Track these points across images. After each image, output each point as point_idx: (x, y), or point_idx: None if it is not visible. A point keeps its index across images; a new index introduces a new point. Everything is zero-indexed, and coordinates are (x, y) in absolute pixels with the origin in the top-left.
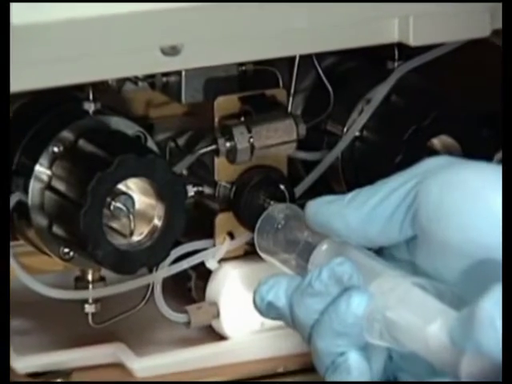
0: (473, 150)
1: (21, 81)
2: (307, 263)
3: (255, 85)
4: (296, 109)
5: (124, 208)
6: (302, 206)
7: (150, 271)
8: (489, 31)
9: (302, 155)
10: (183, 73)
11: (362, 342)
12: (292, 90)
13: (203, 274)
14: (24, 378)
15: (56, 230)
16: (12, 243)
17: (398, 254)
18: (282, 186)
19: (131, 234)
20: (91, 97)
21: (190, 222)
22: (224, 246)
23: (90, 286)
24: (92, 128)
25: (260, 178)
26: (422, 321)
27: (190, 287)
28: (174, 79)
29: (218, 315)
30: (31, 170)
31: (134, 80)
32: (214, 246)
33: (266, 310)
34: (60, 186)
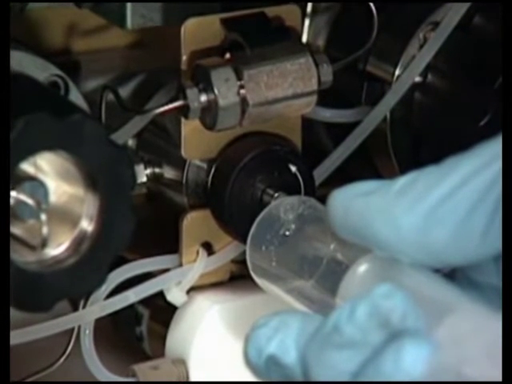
0: None
1: None
2: (334, 294)
3: None
4: (316, 38)
5: (32, 202)
6: (325, 200)
7: (76, 308)
8: None
9: (327, 115)
10: None
11: None
12: (309, 8)
13: (162, 312)
14: None
15: None
16: None
17: (481, 277)
18: (292, 167)
19: (43, 244)
20: None
21: (141, 225)
22: (197, 265)
23: None
24: None
25: (257, 153)
26: None
27: (141, 334)
28: None
29: (186, 379)
30: None
31: None
32: (181, 265)
33: (266, 368)
34: None
